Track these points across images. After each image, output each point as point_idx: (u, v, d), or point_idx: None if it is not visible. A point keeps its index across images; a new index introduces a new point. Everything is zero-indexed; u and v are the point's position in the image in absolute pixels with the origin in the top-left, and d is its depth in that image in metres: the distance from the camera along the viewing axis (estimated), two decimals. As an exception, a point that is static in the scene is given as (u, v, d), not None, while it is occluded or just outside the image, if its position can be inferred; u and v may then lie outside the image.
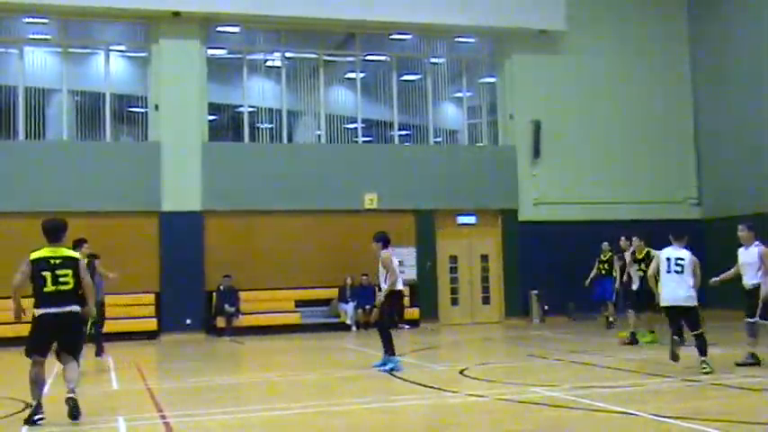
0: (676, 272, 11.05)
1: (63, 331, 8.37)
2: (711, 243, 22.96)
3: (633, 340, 15.02)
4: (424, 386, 10.33)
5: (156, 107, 21.04)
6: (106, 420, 8.54)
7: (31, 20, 21.33)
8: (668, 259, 11.20)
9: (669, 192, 24.27)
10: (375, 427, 7.97)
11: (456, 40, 23.99)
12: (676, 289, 11.01)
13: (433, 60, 23.92)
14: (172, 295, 20.17)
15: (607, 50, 24.15)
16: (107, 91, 21.26)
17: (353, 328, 20.95)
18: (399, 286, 12.11)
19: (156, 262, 20.33)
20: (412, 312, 21.68)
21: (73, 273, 8.42)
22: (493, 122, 24.27)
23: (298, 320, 21.02)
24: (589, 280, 19.06)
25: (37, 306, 8.31)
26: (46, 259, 8.42)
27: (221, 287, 20.56)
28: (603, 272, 18.86)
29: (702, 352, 10.83)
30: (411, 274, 22.13)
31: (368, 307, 21.27)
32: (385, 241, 12.38)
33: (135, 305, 20.14)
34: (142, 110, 21.66)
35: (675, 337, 11.14)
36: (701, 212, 24.43)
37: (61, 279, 8.34)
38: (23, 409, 9.22)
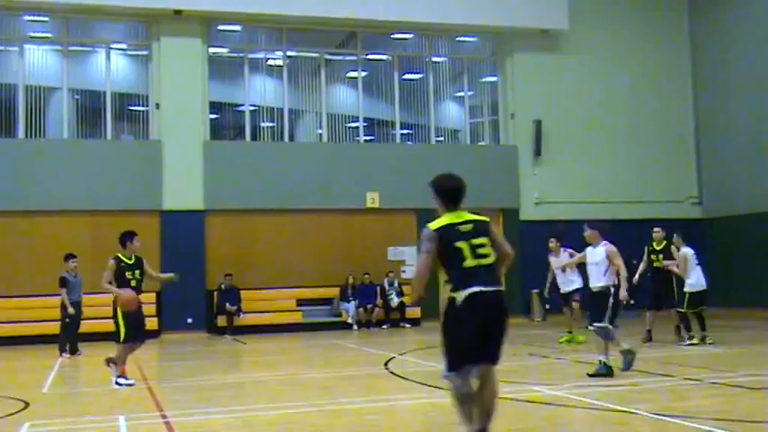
0: (699, 264, 14.46)
1: (494, 322, 6.11)
2: (712, 242, 23.09)
3: (648, 337, 14.92)
4: (426, 385, 10.33)
5: (158, 106, 21.05)
6: (107, 419, 8.53)
7: (31, 18, 21.37)
8: (693, 255, 14.39)
9: (670, 191, 24.26)
10: (377, 426, 7.97)
11: (457, 39, 24.00)
12: (703, 277, 14.42)
13: (435, 59, 23.92)
14: (173, 294, 20.15)
15: (608, 50, 24.15)
16: (108, 89, 21.28)
17: (355, 328, 20.95)
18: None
19: (158, 261, 20.26)
20: (413, 311, 21.71)
21: (489, 241, 6.36)
22: (494, 122, 24.28)
23: (299, 319, 21.02)
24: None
25: (456, 289, 6.13)
26: (453, 226, 6.29)
27: (222, 286, 20.57)
28: None
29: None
30: (413, 272, 22.12)
31: (369, 306, 21.29)
32: None
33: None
34: (143, 108, 21.68)
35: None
36: (701, 211, 24.42)
37: (480, 250, 6.24)
38: (23, 409, 9.22)
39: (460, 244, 6.17)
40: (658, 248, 15.24)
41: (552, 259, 16.12)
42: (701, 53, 24.73)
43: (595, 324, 10.68)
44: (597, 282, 10.83)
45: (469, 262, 6.14)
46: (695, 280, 14.28)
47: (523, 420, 7.99)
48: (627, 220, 23.03)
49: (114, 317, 11.14)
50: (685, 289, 14.28)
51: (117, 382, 11.08)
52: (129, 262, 11.34)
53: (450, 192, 6.45)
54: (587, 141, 23.73)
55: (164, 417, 8.53)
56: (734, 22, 23.60)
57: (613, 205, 23.34)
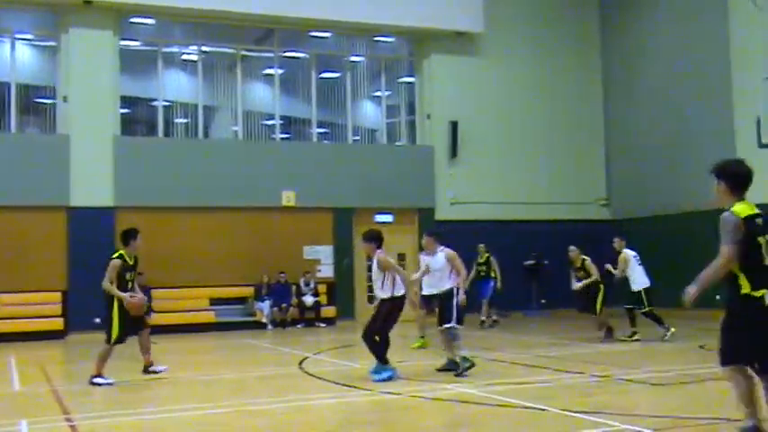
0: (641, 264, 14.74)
1: None
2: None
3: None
4: (341, 384, 10.30)
5: (65, 99, 20.40)
6: (7, 424, 8.20)
7: (-68, 5, 20.45)
8: (635, 256, 15.11)
9: (580, 193, 24.81)
10: (291, 426, 7.90)
11: (375, 39, 24.04)
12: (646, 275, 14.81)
13: (353, 59, 23.89)
14: (80, 293, 19.51)
15: (523, 53, 24.56)
16: (13, 81, 20.49)
17: (269, 327, 20.76)
18: (401, 291, 10.77)
19: (64, 259, 19.70)
20: (328, 311, 21.66)
21: None
22: (411, 122, 24.41)
23: (212, 319, 20.69)
24: (469, 282, 18.80)
25: (757, 287, 5.82)
26: (754, 218, 5.90)
27: (133, 285, 20.08)
28: (482, 273, 19.10)
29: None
30: (328, 272, 22.12)
31: (284, 305, 21.12)
32: (377, 240, 10.87)
33: (40, 304, 19.51)
34: (50, 101, 20.99)
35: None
36: (609, 213, 25.08)
37: None
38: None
39: (761, 239, 5.85)
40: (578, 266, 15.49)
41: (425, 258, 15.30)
42: (611, 57, 25.36)
43: (444, 325, 11.06)
44: (443, 285, 11.31)
45: (767, 260, 5.87)
46: (644, 278, 15.04)
47: (436, 418, 8.04)
48: (539, 221, 23.55)
49: (109, 317, 10.91)
50: (638, 288, 14.97)
51: (94, 382, 10.79)
52: (130, 263, 11.10)
53: (743, 177, 6.02)
54: (502, 143, 24.07)
55: (69, 420, 8.25)
56: (643, 26, 24.23)
57: (526, 206, 23.77)
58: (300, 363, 12.83)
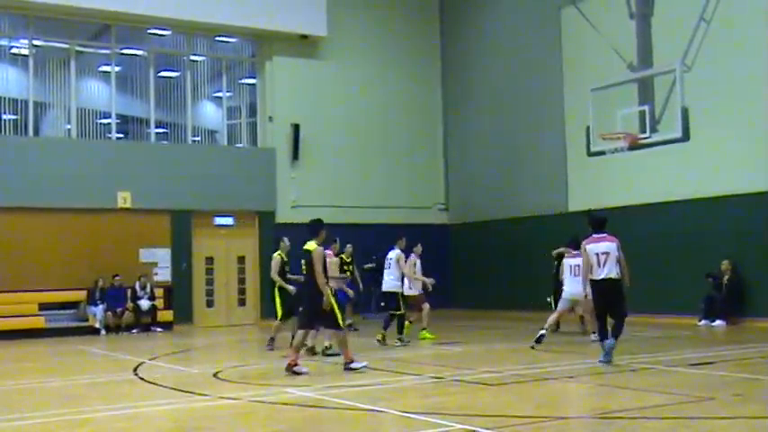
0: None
1: None
2: (455, 244, 24.84)
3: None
4: (178, 390, 10.14)
5: None
6: None
7: None
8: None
9: (421, 197, 25.48)
10: (124, 435, 7.72)
11: (217, 39, 23.76)
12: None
13: (193, 58, 23.50)
14: None
15: (366, 59, 24.95)
16: None
17: (103, 332, 20.09)
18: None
19: None
20: (165, 315, 21.20)
21: None
22: (252, 124, 24.29)
23: (42, 324, 19.80)
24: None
25: None
26: None
27: (-46, 289, 18.98)
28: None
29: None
30: (166, 275, 21.66)
31: (119, 310, 20.50)
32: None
33: None
34: None
35: None
36: (447, 218, 25.89)
37: None
38: None
39: None
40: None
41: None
42: (450, 67, 26.16)
43: None
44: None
45: None
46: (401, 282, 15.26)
47: (273, 423, 8.07)
48: (380, 224, 23.93)
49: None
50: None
51: (350, 367, 11.30)
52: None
53: None
54: (344, 146, 24.35)
55: None
56: (481, 38, 25.12)
57: (368, 210, 24.14)
58: (135, 369, 12.51)
